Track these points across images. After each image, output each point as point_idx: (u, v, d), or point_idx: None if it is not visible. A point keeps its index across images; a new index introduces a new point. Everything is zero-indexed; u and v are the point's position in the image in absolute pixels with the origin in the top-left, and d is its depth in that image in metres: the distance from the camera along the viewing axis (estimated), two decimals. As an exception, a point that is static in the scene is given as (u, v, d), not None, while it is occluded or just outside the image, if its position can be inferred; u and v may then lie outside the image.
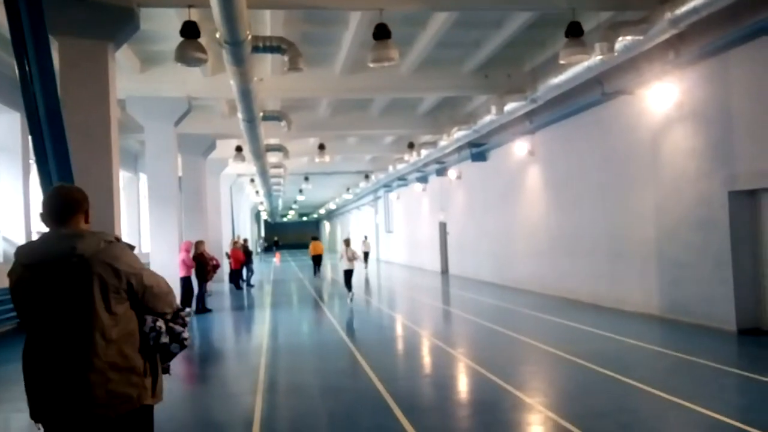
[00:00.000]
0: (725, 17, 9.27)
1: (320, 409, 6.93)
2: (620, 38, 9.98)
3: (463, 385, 8.03)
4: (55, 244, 2.88)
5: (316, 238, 32.44)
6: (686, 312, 11.50)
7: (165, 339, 3.01)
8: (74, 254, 2.82)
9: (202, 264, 15.92)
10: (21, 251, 2.97)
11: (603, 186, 14.27)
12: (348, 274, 17.59)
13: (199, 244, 16.21)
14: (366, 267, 31.58)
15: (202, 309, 15.78)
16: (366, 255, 32.38)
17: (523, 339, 10.57)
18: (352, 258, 17.48)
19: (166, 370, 3.18)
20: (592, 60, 10.77)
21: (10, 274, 2.96)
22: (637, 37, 9.87)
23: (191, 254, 15.50)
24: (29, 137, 14.43)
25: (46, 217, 2.96)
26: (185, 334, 3.11)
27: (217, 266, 17.82)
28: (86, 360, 2.80)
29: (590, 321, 12.04)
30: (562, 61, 10.70)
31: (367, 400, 7.00)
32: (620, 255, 13.61)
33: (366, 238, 36.83)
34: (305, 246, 41.01)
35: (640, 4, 10.00)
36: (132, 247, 3.09)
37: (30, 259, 2.91)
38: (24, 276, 2.90)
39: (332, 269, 36.52)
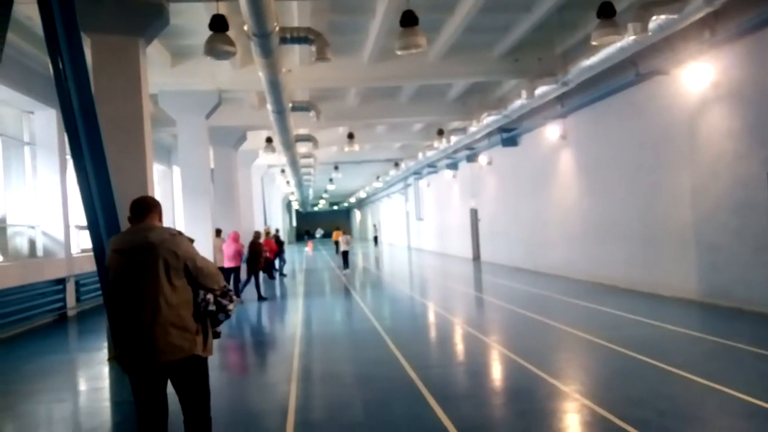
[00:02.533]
0: (763, -7, 8.99)
1: (354, 398, 6.97)
2: (654, 17, 9.77)
3: (497, 373, 8.00)
4: (134, 235, 4.01)
5: (339, 228, 35.52)
6: (725, 296, 11.28)
7: (212, 308, 4.05)
8: (146, 242, 3.93)
9: (255, 254, 16.26)
10: (112, 240, 4.15)
11: (637, 169, 14.02)
12: (345, 254, 24.99)
13: (256, 234, 16.69)
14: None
15: (259, 297, 16.13)
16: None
17: (557, 325, 10.48)
18: (346, 243, 24.98)
19: (217, 334, 4.21)
20: (625, 40, 10.56)
21: (108, 255, 4.10)
22: (671, 16, 9.64)
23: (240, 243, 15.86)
24: (65, 133, 14.83)
25: (130, 217, 4.12)
26: (230, 307, 4.13)
27: (270, 258, 18.45)
28: (153, 318, 3.86)
29: (626, 306, 11.88)
30: (594, 43, 10.53)
31: (400, 389, 7.02)
32: (656, 239, 13.38)
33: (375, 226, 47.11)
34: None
35: (673, -18, 9.76)
36: (192, 240, 4.16)
37: (117, 246, 4.04)
38: (113, 258, 4.01)
39: (363, 257, 36.68)
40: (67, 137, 8.21)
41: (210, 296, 4.05)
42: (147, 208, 4.13)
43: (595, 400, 6.14)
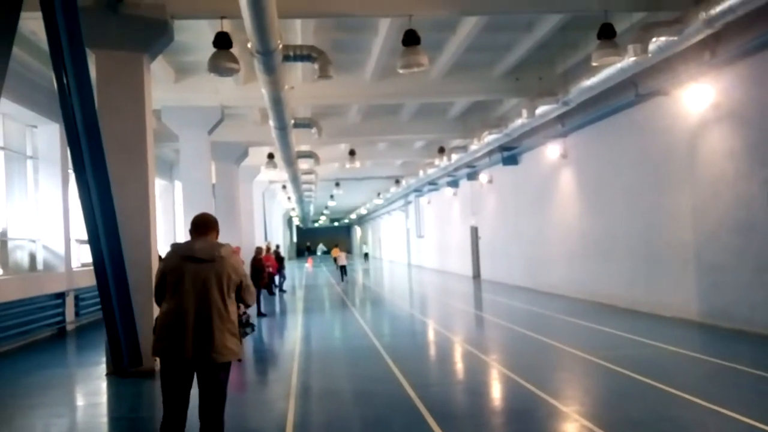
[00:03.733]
0: (762, 16, 9.08)
1: (352, 416, 6.93)
2: (654, 39, 9.84)
3: (496, 393, 7.96)
4: (205, 247, 4.51)
5: (337, 245, 38.39)
6: (726, 317, 11.24)
7: (243, 321, 4.78)
8: (218, 255, 4.47)
9: (258, 270, 16.22)
10: (179, 246, 4.61)
11: (638, 189, 14.05)
12: (342, 268, 29.22)
13: (257, 250, 16.64)
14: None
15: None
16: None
17: (557, 345, 10.44)
18: (343, 259, 29.46)
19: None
20: (626, 61, 10.63)
21: (165, 260, 4.55)
22: (671, 38, 9.72)
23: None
24: (68, 147, 14.86)
25: (192, 230, 4.64)
26: (253, 322, 5.03)
27: (273, 273, 18.43)
28: (215, 322, 4.38)
29: (626, 326, 11.85)
30: (594, 63, 10.59)
31: (399, 407, 6.98)
32: (657, 259, 13.37)
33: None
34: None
35: (673, 5, 9.86)
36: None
37: (186, 253, 4.49)
38: (179, 263, 4.45)
39: (363, 274, 36.63)
40: (70, 151, 8.25)
41: (248, 311, 4.77)
42: (210, 225, 4.66)
43: (595, 421, 6.11)
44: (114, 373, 9.30)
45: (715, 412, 6.32)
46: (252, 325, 4.87)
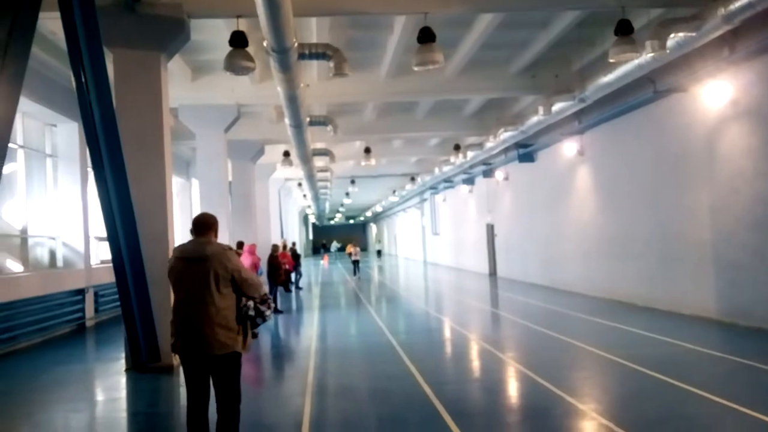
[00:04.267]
0: (783, 11, 8.94)
1: (369, 413, 6.96)
2: (672, 35, 9.75)
3: (513, 390, 7.95)
4: (193, 247, 4.81)
5: (351, 242, 40.76)
6: (745, 315, 11.13)
7: (252, 313, 4.77)
8: (203, 254, 4.71)
9: (274, 267, 16.29)
10: (177, 248, 4.94)
11: (655, 186, 13.93)
12: (355, 263, 31.23)
13: (274, 248, 16.70)
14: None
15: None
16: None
17: (574, 343, 10.40)
18: (356, 254, 31.57)
19: (255, 335, 5.07)
20: (643, 58, 10.54)
21: (169, 262, 4.92)
22: (689, 34, 9.62)
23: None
24: (86, 146, 14.98)
25: (192, 231, 4.90)
26: (267, 313, 4.87)
27: (289, 270, 18.49)
28: (204, 318, 4.62)
29: (644, 324, 11.76)
30: (611, 60, 10.50)
31: (415, 405, 7.00)
32: (674, 257, 13.26)
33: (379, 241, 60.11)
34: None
35: (691, 1, 9.76)
36: (239, 253, 5.00)
37: (181, 254, 4.83)
38: (177, 263, 4.80)
39: (378, 271, 36.68)
40: (89, 149, 8.36)
41: (251, 303, 4.79)
42: (207, 225, 4.91)
43: (612, 420, 6.08)
44: (133, 369, 9.41)
45: (733, 410, 6.27)
46: (263, 316, 4.83)
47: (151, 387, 8.73)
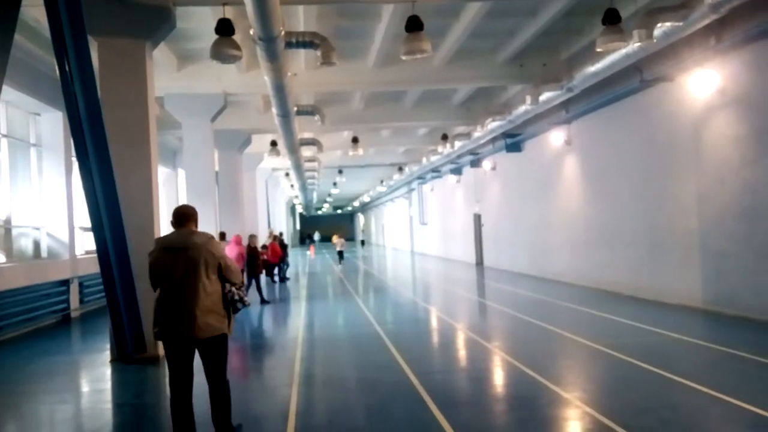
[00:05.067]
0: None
1: (355, 403, 6.96)
2: (659, 24, 9.76)
3: (499, 380, 7.98)
4: (180, 237, 5.04)
5: (336, 232, 41.78)
6: (731, 304, 11.23)
7: (236, 297, 5.14)
8: (192, 243, 4.97)
9: (253, 257, 16.18)
10: (161, 240, 5.19)
11: (642, 175, 14.00)
12: (340, 253, 33.45)
13: (252, 238, 16.52)
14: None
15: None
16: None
17: (560, 332, 10.45)
18: (341, 245, 33.67)
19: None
20: (631, 47, 10.56)
21: (151, 253, 5.07)
22: (676, 23, 9.64)
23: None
24: (71, 135, 14.78)
25: (173, 223, 5.14)
26: (246, 298, 5.24)
27: (270, 261, 18.37)
28: (195, 303, 4.90)
29: (630, 314, 11.85)
30: (599, 49, 10.52)
31: (402, 394, 7.01)
32: (661, 246, 13.35)
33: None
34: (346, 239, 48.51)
35: (678, -10, 9.75)
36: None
37: (166, 244, 5.06)
38: (161, 254, 5.00)
39: (363, 260, 36.70)
40: (73, 139, 8.25)
41: (234, 289, 5.12)
42: (187, 216, 5.16)
43: (597, 408, 6.12)
44: (118, 360, 9.35)
45: (718, 399, 6.33)
46: (243, 301, 5.17)
47: (137, 378, 8.68)
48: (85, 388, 8.74)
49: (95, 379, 9.00)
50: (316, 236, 71.83)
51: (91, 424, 6.80)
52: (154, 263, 5.03)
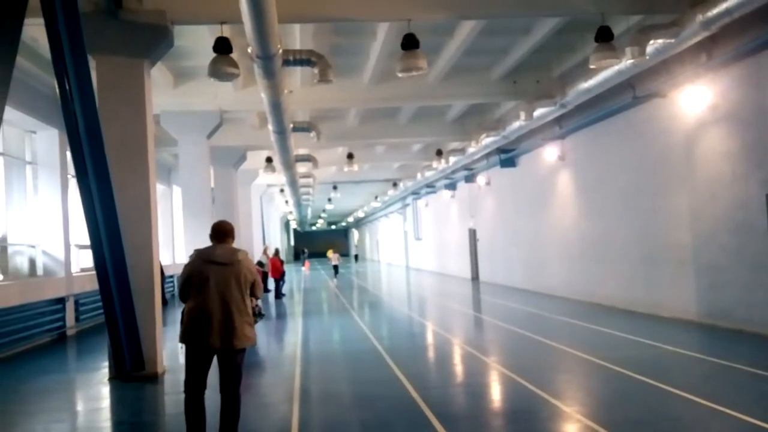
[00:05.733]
0: (759, 18, 9.17)
1: (356, 419, 6.96)
2: (651, 41, 9.92)
3: (499, 394, 8.00)
4: (225, 252, 5.39)
5: (331, 248, 43.93)
6: (725, 317, 11.31)
7: (261, 312, 5.74)
8: (235, 259, 5.36)
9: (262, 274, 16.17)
10: (202, 252, 5.42)
11: (636, 190, 14.12)
12: (335, 267, 36.44)
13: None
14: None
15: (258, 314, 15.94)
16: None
17: (557, 346, 10.49)
18: (336, 259, 36.69)
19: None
20: (623, 64, 10.71)
21: (190, 264, 5.39)
22: (668, 41, 9.80)
23: None
24: (67, 153, 14.85)
25: (212, 237, 5.49)
26: (263, 312, 5.84)
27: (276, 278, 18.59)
28: (236, 314, 5.24)
29: (626, 327, 11.91)
30: (592, 66, 10.66)
31: (403, 409, 7.02)
32: (655, 260, 13.44)
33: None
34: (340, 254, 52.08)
35: (670, 8, 9.93)
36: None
37: (209, 258, 5.34)
38: (203, 266, 5.30)
39: (358, 275, 36.68)
40: (72, 157, 8.29)
41: (259, 303, 5.60)
42: (227, 232, 5.52)
43: (596, 421, 6.15)
44: (116, 378, 9.32)
45: (715, 411, 6.37)
46: (262, 314, 5.74)
47: (136, 396, 8.66)
48: (82, 406, 8.70)
49: (93, 397, 8.95)
50: (305, 253, 71.29)
51: (91, 442, 6.78)
52: (193, 274, 5.31)
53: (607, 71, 11.41)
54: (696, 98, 11.72)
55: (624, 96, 12.89)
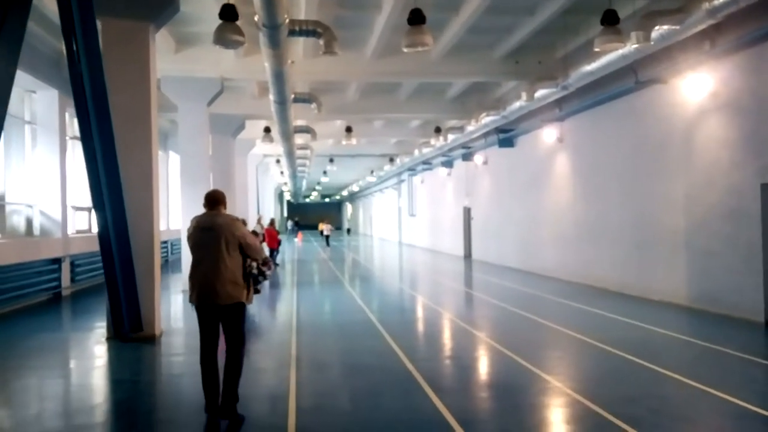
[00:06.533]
0: (764, 8, 9.20)
1: (352, 386, 7.12)
2: (656, 27, 9.95)
3: (491, 367, 8.18)
4: (208, 218, 5.77)
5: (323, 220, 46.43)
6: (714, 302, 11.52)
7: (254, 271, 5.81)
8: (216, 224, 5.70)
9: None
10: (195, 219, 5.88)
11: (632, 174, 14.25)
12: (327, 237, 41.35)
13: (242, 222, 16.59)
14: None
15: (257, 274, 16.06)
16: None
17: (549, 324, 10.68)
18: (327, 230, 41.22)
19: (258, 291, 5.99)
20: (627, 48, 10.74)
21: (188, 230, 5.86)
22: (673, 27, 9.83)
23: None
24: (66, 114, 14.82)
25: (205, 205, 5.85)
26: (268, 272, 5.91)
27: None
28: (217, 275, 5.61)
29: (617, 309, 12.11)
30: (596, 49, 10.66)
31: (397, 379, 7.19)
32: (648, 244, 13.62)
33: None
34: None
35: (676, -6, 9.95)
36: (244, 223, 6.34)
37: (197, 224, 5.80)
38: (195, 232, 5.77)
39: (351, 249, 36.87)
40: (78, 120, 8.32)
41: (254, 263, 5.81)
42: (217, 200, 5.89)
43: (587, 397, 6.33)
44: (114, 338, 9.45)
45: (703, 391, 6.57)
46: (264, 274, 5.87)
47: (134, 356, 8.80)
48: (81, 364, 8.82)
49: (92, 355, 9.09)
50: (289, 224, 70.31)
51: (91, 400, 6.92)
52: (189, 238, 5.83)
53: (611, 55, 11.44)
54: (697, 85, 11.79)
55: (626, 80, 12.94)
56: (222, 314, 5.72)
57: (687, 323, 11.08)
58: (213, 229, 5.68)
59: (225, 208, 5.95)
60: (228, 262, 5.65)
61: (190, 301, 5.79)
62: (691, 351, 8.81)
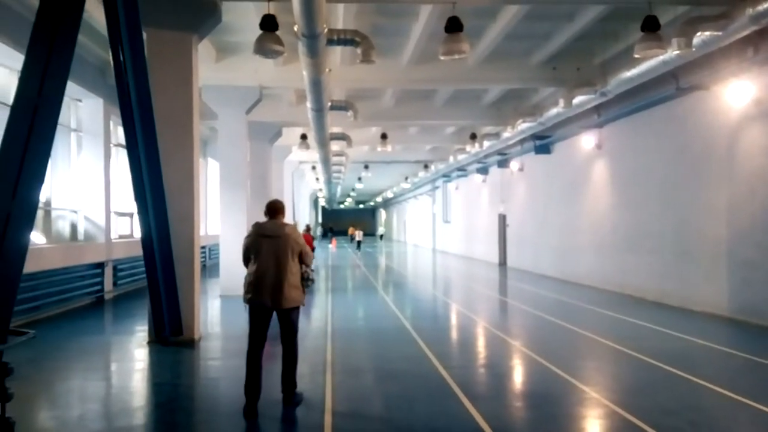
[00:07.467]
0: (811, 13, 8.99)
1: (387, 391, 7.16)
2: (698, 33, 9.80)
3: (527, 376, 8.14)
4: (274, 227, 6.29)
5: (354, 225, 52.00)
6: (757, 314, 11.27)
7: (311, 277, 6.46)
8: (284, 232, 6.23)
9: None
10: (257, 226, 6.37)
11: (673, 183, 14.03)
12: (358, 243, 45.53)
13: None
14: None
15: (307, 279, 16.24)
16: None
17: (586, 334, 10.58)
18: (358, 236, 46.06)
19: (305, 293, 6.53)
20: (668, 54, 10.60)
21: (248, 237, 6.34)
22: (715, 33, 9.68)
23: None
24: (110, 122, 15.13)
25: (266, 213, 6.39)
26: (314, 277, 6.66)
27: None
28: (284, 280, 6.14)
29: (655, 319, 11.93)
30: (637, 55, 10.56)
31: (431, 385, 7.21)
32: (688, 253, 13.38)
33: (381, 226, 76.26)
34: (365, 233, 57.90)
35: (718, 0, 9.80)
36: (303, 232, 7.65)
37: (262, 232, 6.27)
38: (258, 239, 6.23)
39: (386, 256, 36.91)
40: (123, 129, 8.55)
41: (308, 270, 6.40)
42: (278, 210, 6.41)
43: (625, 408, 6.26)
44: (155, 342, 9.66)
45: (745, 404, 6.44)
46: (312, 280, 6.49)
47: (175, 359, 8.98)
48: (123, 367, 9.05)
49: (133, 358, 9.31)
50: (319, 230, 71.94)
51: (132, 402, 7.09)
52: (250, 245, 6.26)
53: (651, 61, 11.31)
54: (740, 92, 11.58)
55: (666, 87, 12.75)
56: (283, 316, 6.26)
57: (727, 334, 10.86)
58: (280, 237, 6.18)
59: (284, 216, 6.44)
60: (293, 268, 6.20)
61: (247, 301, 6.21)
62: (732, 363, 8.64)
